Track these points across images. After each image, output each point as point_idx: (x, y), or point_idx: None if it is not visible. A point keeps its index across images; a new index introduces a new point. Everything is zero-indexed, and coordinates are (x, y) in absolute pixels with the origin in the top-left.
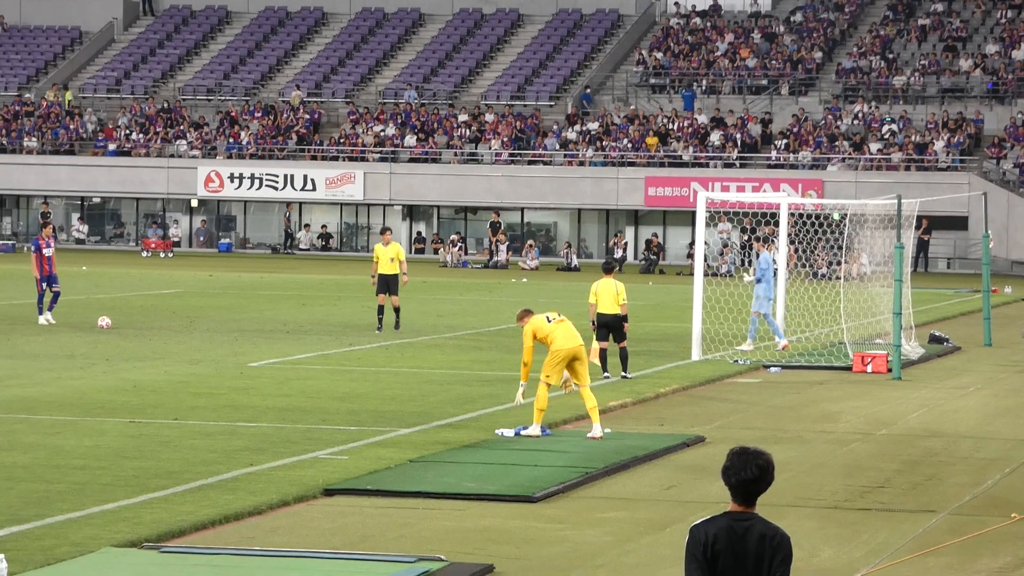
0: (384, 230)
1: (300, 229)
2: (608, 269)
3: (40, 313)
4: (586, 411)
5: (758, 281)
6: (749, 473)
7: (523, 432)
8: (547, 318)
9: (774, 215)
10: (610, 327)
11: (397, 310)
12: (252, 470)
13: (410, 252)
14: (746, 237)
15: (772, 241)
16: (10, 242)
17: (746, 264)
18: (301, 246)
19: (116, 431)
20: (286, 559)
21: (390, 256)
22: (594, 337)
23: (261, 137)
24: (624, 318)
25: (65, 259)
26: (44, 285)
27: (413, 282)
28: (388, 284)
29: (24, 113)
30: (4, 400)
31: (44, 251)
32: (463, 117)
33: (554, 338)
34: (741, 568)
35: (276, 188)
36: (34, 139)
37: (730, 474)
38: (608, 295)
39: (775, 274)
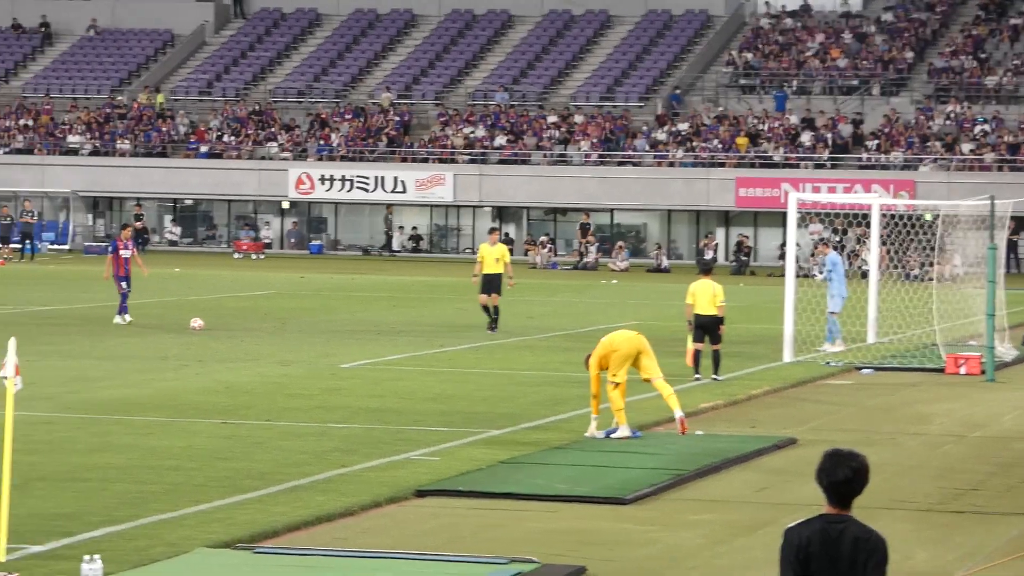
0: (492, 230)
1: (393, 230)
2: (706, 270)
3: (127, 313)
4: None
5: (828, 281)
6: (842, 475)
7: (613, 435)
8: (612, 333)
9: (865, 216)
10: (706, 328)
11: (496, 309)
12: (344, 471)
13: None
14: (837, 238)
15: (851, 243)
16: (104, 244)
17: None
18: (392, 247)
19: (209, 432)
20: (378, 560)
21: (496, 256)
22: (689, 338)
23: (351, 139)
24: (721, 320)
25: (157, 261)
26: (124, 285)
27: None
28: (492, 284)
29: (116, 115)
30: (98, 401)
31: (121, 252)
32: (552, 118)
33: (611, 341)
34: (835, 571)
35: (367, 190)
36: (127, 141)
37: (823, 476)
38: (705, 296)
39: (844, 273)
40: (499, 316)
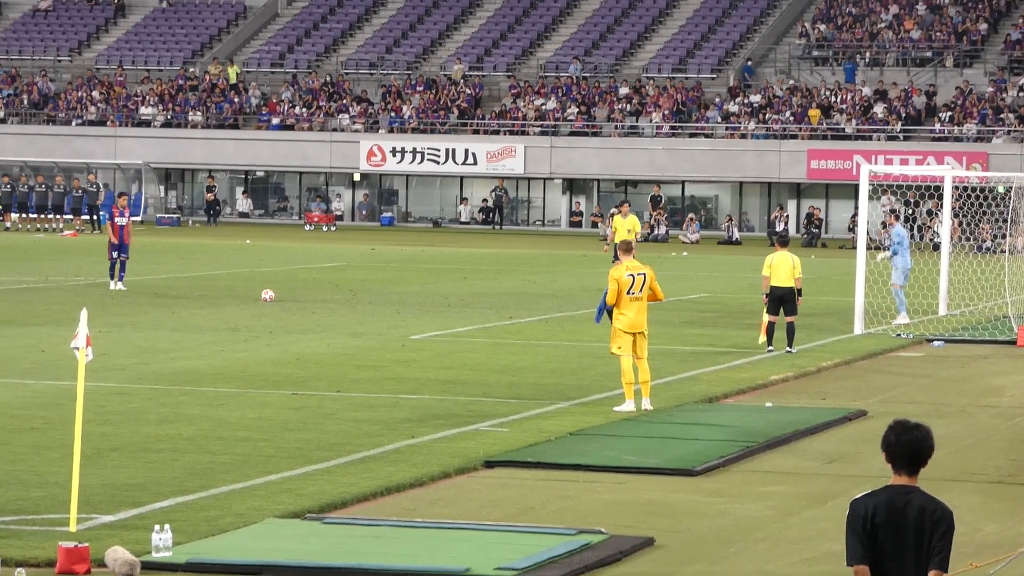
0: (623, 203)
1: (505, 203)
2: (784, 242)
3: (111, 278)
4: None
5: (894, 254)
6: (910, 442)
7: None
8: (629, 287)
9: (938, 188)
10: (783, 300)
11: None
12: (413, 442)
13: (568, 226)
14: (909, 211)
15: (923, 215)
16: (175, 216)
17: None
18: (462, 219)
19: (279, 403)
20: (447, 531)
21: (627, 227)
22: (764, 310)
23: (423, 111)
24: (798, 291)
25: (229, 233)
26: (115, 253)
27: (572, 256)
28: (626, 251)
29: (189, 87)
30: (170, 372)
31: (117, 220)
32: (624, 90)
33: (623, 312)
34: (901, 541)
35: (437, 162)
36: (199, 113)
37: (890, 445)
38: (784, 268)
39: (909, 246)
40: None
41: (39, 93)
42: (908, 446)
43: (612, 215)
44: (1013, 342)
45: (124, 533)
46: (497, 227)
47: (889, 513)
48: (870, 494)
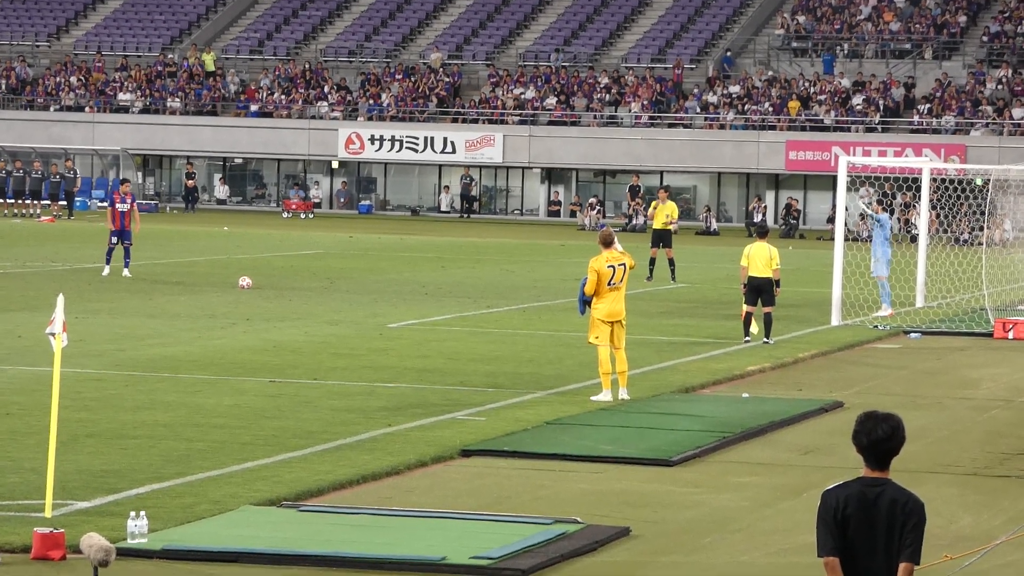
0: (663, 188)
1: (473, 191)
2: (762, 233)
3: (107, 263)
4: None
5: (872, 243)
6: (881, 432)
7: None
8: (610, 278)
9: (916, 180)
10: (760, 290)
11: (672, 261)
12: (390, 430)
13: (547, 215)
14: (887, 202)
15: (899, 207)
16: (153, 202)
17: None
18: (442, 208)
19: (256, 390)
20: (423, 519)
21: (666, 213)
22: (743, 300)
23: (401, 99)
24: (776, 282)
25: (207, 220)
26: (115, 239)
27: (551, 245)
28: (661, 238)
29: (167, 74)
30: (146, 359)
31: (117, 206)
32: (604, 80)
33: (601, 301)
34: (872, 533)
35: (416, 150)
36: (177, 100)
37: (861, 436)
38: (761, 259)
39: (890, 233)
40: (675, 267)
41: (17, 78)
42: (878, 440)
43: (651, 202)
44: (990, 334)
45: (99, 519)
46: (465, 216)
47: (860, 505)
48: (841, 485)
